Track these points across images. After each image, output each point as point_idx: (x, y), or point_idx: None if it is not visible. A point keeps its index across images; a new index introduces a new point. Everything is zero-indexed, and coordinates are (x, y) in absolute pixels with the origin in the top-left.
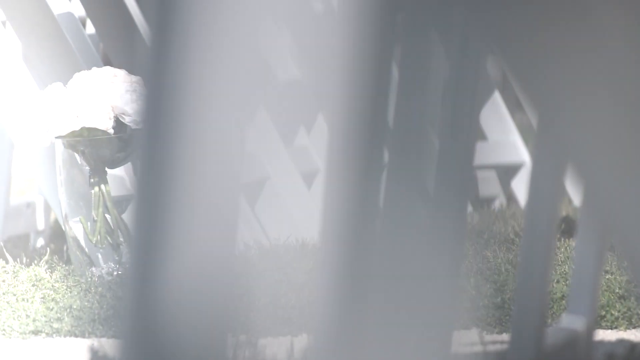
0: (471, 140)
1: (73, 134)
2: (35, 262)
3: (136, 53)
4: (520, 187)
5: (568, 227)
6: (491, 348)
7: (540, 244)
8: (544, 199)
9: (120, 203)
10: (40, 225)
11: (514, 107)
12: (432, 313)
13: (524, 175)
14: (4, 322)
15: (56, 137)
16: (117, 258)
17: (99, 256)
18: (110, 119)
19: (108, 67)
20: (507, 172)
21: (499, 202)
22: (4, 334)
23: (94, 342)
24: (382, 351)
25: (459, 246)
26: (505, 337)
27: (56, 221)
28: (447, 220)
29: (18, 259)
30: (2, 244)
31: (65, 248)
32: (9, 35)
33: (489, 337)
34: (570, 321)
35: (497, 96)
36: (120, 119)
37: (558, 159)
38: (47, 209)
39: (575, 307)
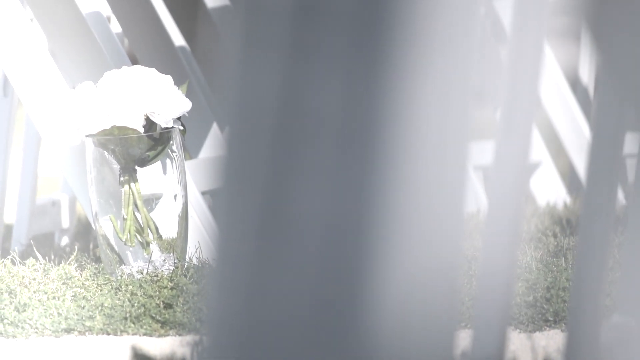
0: (621, 131)
1: (104, 132)
2: (64, 260)
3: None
4: (538, 185)
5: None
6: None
7: (597, 242)
8: (601, 195)
9: (149, 201)
10: (65, 223)
11: None
12: None
13: (542, 173)
14: (36, 320)
15: (87, 136)
16: (146, 256)
17: (129, 254)
18: (140, 117)
19: (138, 66)
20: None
21: None
22: (36, 332)
23: (134, 340)
24: None
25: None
26: (540, 335)
27: (80, 219)
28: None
29: (47, 257)
30: (32, 243)
31: (91, 246)
32: (37, 32)
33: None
34: (623, 319)
35: None
36: (151, 117)
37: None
38: (72, 207)
39: (626, 305)
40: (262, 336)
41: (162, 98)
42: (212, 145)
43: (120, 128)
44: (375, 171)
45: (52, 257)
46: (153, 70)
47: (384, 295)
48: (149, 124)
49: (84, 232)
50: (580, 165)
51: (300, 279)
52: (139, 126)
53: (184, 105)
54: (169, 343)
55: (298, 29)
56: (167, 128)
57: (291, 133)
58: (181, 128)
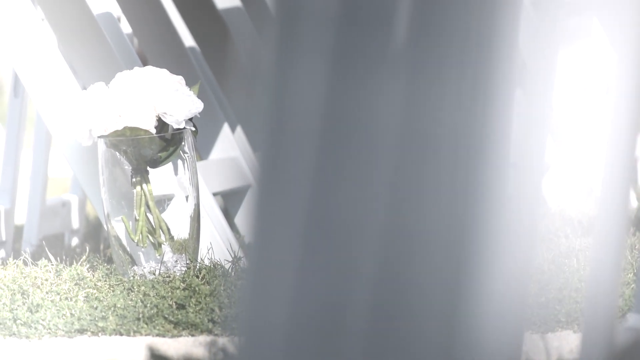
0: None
1: (116, 133)
2: (75, 260)
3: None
4: (549, 187)
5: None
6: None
7: (611, 243)
8: (616, 195)
9: (161, 202)
10: (75, 224)
11: None
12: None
13: (552, 176)
14: (49, 321)
15: (99, 137)
16: (158, 257)
17: (141, 255)
18: (152, 118)
19: (150, 67)
20: None
21: None
22: (49, 333)
23: (149, 340)
24: None
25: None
26: (552, 336)
27: (89, 220)
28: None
29: (58, 258)
30: (44, 244)
31: (101, 247)
32: (48, 33)
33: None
34: (637, 321)
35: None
36: (163, 118)
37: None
38: (82, 208)
39: None
40: (311, 343)
41: (174, 99)
42: (222, 146)
43: (132, 129)
44: (434, 175)
45: (64, 257)
46: (165, 71)
47: (449, 301)
48: (161, 125)
49: (93, 233)
50: (592, 167)
51: (355, 285)
52: (151, 127)
53: (195, 106)
54: (185, 343)
55: (345, 34)
56: (179, 129)
57: (341, 137)
58: (193, 129)
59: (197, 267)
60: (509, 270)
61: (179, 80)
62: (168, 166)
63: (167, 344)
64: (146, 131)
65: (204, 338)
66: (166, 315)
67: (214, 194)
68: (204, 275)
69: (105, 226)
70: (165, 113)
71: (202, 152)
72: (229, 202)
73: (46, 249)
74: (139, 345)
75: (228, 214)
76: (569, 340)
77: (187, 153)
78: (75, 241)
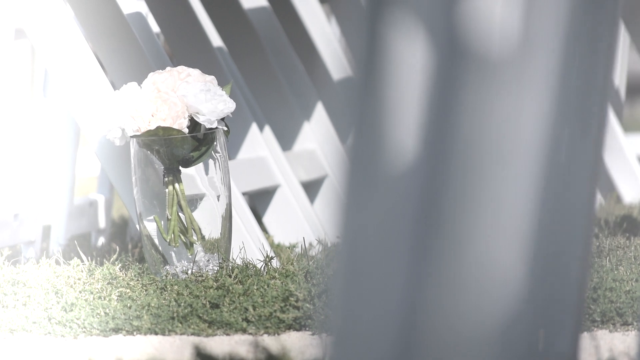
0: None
1: (148, 133)
2: (106, 259)
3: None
4: None
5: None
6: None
7: None
8: None
9: (193, 202)
10: (102, 224)
11: None
12: None
13: None
14: (84, 320)
15: (131, 137)
16: (190, 256)
17: (172, 255)
18: (184, 118)
19: (182, 67)
20: None
21: None
22: (84, 332)
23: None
24: None
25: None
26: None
27: (114, 220)
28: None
29: (88, 257)
30: (75, 243)
31: (129, 246)
32: (79, 32)
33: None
34: None
35: None
36: (195, 118)
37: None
38: (109, 208)
39: None
40: (428, 352)
41: (206, 99)
42: (250, 146)
43: (165, 129)
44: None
45: (95, 256)
46: (197, 71)
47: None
48: (193, 125)
49: (119, 232)
50: (611, 165)
51: (495, 295)
52: (183, 127)
53: (227, 106)
54: (220, 342)
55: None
56: (211, 129)
57: (456, 138)
58: (225, 129)
59: (230, 266)
60: None
61: (211, 80)
62: (199, 166)
63: (204, 342)
64: (179, 131)
65: (239, 337)
66: (200, 315)
67: (242, 194)
68: (237, 274)
69: (137, 226)
70: (197, 113)
71: (230, 151)
72: (257, 201)
73: (78, 248)
74: (175, 343)
75: (256, 213)
76: (606, 339)
77: (219, 153)
78: (101, 241)
